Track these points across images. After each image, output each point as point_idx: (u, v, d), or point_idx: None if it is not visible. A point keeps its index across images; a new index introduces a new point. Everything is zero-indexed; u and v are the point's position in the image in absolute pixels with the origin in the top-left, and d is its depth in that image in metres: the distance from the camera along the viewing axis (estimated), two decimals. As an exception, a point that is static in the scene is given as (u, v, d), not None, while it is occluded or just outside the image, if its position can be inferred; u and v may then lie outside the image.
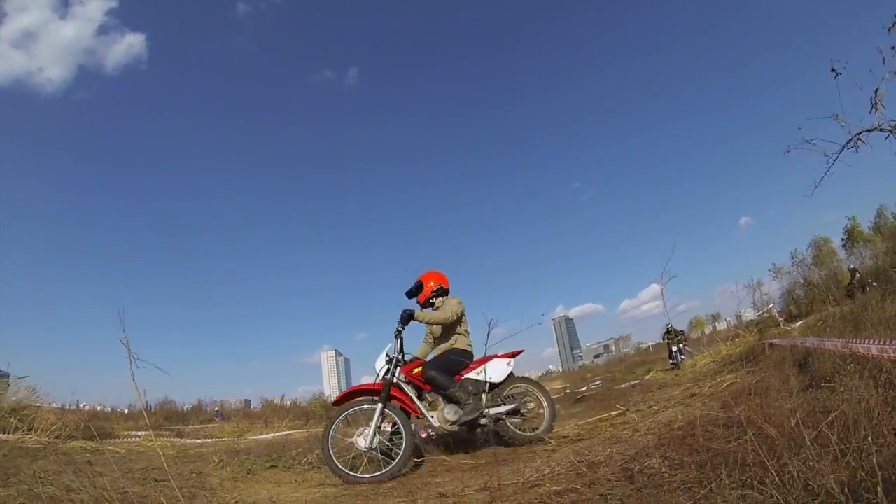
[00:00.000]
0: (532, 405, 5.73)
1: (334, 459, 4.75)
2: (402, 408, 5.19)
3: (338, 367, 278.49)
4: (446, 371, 5.50)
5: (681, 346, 17.87)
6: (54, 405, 13.05)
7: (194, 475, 4.93)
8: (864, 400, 2.87)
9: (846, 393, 3.27)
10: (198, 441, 12.08)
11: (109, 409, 21.85)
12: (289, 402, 26.58)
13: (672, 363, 17.36)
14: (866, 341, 4.39)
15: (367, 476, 4.59)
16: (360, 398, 5.28)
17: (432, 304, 5.99)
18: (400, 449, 4.75)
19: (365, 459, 4.78)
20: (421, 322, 5.65)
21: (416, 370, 5.53)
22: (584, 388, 14.89)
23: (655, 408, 5.81)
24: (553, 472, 3.41)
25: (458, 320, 5.89)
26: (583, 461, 3.57)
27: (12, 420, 7.90)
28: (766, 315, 26.15)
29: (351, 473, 4.63)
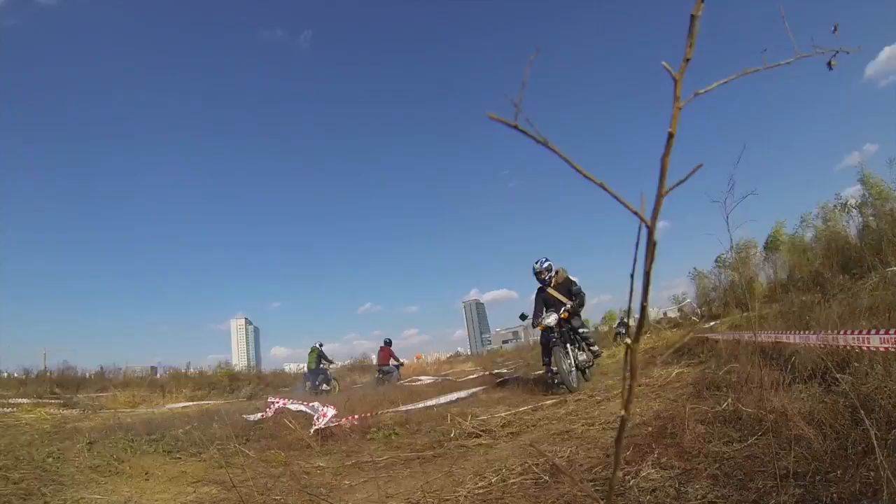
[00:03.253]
0: None
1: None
2: None
3: (247, 336, 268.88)
4: None
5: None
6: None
7: (51, 459, 3.95)
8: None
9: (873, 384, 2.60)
10: (83, 412, 10.93)
11: (5, 374, 19.87)
12: (195, 371, 24.99)
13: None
14: (861, 333, 3.75)
15: None
16: None
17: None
18: None
19: None
20: None
21: None
22: (503, 371, 14.35)
23: (598, 398, 5.06)
24: (503, 480, 2.48)
25: None
26: (537, 464, 2.68)
27: None
28: (682, 312, 26.88)
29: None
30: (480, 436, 3.97)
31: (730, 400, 3.21)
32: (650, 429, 3.09)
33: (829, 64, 1.03)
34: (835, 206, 22.90)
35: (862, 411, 2.15)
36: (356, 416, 5.17)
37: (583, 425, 3.71)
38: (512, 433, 3.96)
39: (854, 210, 21.40)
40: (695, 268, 34.30)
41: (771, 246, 26.20)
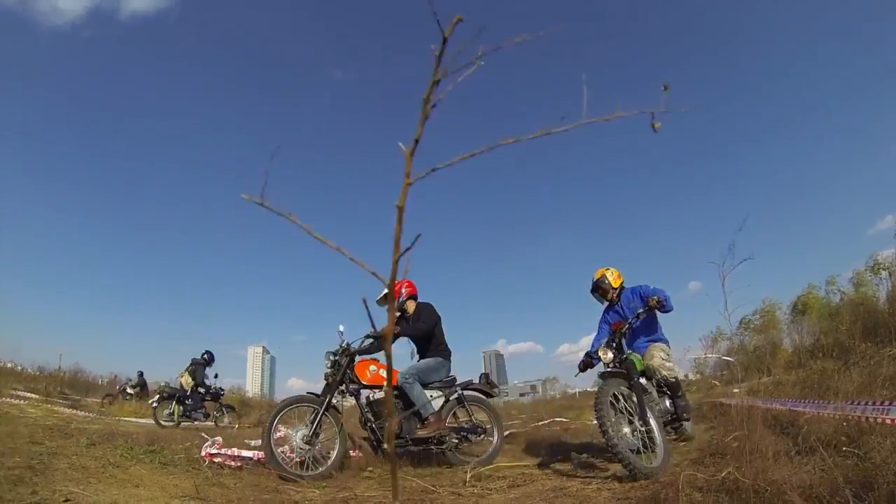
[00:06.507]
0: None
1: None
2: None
3: (262, 365, 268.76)
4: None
5: None
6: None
7: (46, 455, 3.95)
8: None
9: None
10: (90, 415, 11.11)
11: (20, 368, 20.16)
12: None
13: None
14: (880, 404, 3.68)
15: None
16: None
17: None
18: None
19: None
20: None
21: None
22: (509, 424, 13.99)
23: (599, 459, 4.95)
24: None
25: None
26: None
27: None
28: (702, 376, 26.35)
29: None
30: (475, 486, 3.92)
31: (730, 469, 3.12)
32: (645, 493, 3.02)
33: (652, 126, 0.94)
34: (866, 268, 22.22)
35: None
36: (356, 452, 5.29)
37: (580, 483, 3.64)
38: (507, 485, 3.90)
39: (884, 272, 20.70)
40: (718, 327, 33.03)
41: (799, 309, 25.38)
